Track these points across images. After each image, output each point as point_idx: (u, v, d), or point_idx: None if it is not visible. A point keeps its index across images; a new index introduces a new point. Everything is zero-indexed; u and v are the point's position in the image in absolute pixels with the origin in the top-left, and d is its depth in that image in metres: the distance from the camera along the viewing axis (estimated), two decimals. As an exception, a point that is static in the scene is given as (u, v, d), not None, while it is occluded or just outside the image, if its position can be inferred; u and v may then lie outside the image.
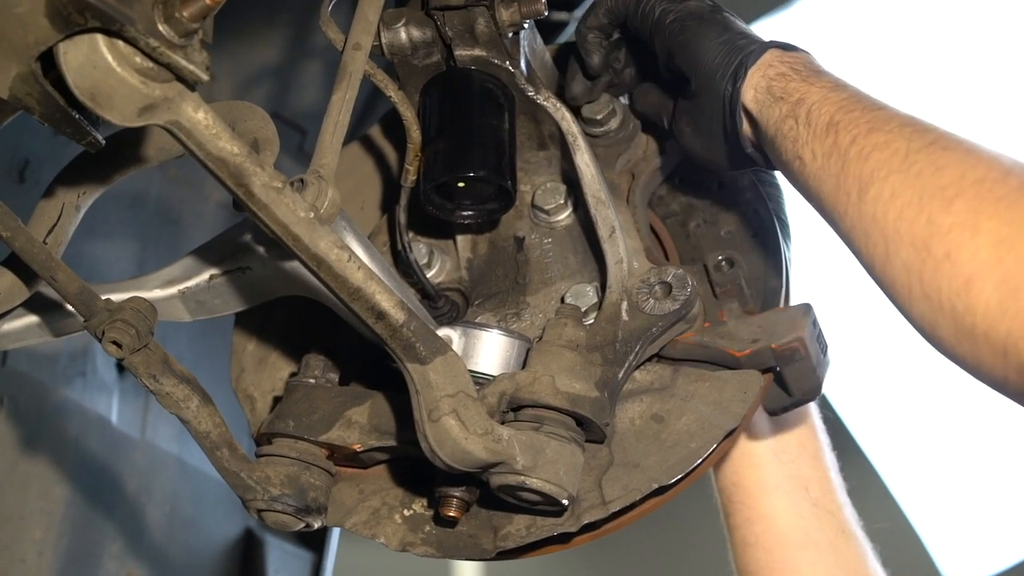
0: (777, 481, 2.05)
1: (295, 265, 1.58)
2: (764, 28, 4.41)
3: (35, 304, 1.80)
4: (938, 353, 1.37)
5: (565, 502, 1.63)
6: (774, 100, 1.62)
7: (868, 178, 1.42)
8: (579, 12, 3.33)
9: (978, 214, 1.28)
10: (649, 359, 1.80)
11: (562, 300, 1.86)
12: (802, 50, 1.69)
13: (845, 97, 1.55)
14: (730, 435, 1.75)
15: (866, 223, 1.41)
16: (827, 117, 1.53)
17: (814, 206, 1.56)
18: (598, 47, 1.89)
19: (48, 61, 1.26)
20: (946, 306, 1.27)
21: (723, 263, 1.84)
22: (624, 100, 2.02)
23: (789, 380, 1.77)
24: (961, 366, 1.33)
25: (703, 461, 1.72)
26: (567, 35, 3.23)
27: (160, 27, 1.26)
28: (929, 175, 1.35)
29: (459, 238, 1.98)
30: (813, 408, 2.12)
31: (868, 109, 1.50)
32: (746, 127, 1.70)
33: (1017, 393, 1.28)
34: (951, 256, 1.28)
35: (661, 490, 1.71)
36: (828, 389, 1.91)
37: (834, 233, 1.52)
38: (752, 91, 1.66)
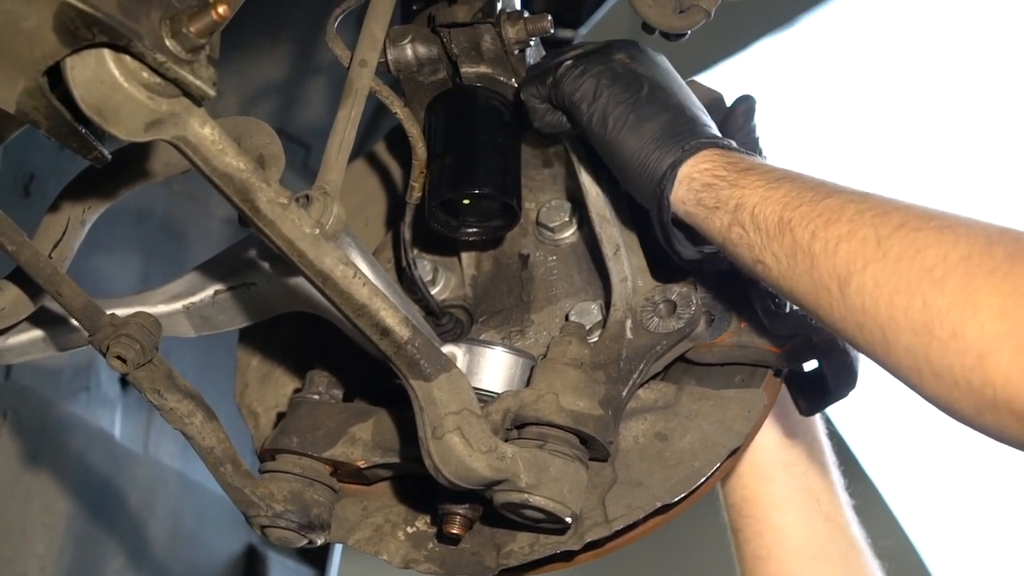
0: (788, 494, 2.04)
1: (300, 281, 1.58)
2: (767, 48, 4.42)
3: (40, 318, 1.80)
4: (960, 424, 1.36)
5: (568, 520, 1.62)
6: (709, 211, 1.58)
7: (845, 271, 1.39)
8: (584, 29, 3.35)
9: (974, 291, 1.26)
10: (653, 377, 1.80)
11: (566, 318, 1.86)
12: (712, 143, 1.64)
13: (784, 192, 1.50)
14: (734, 453, 1.75)
15: (856, 315, 1.38)
16: (775, 217, 1.49)
17: (793, 302, 1.52)
18: (541, 113, 1.84)
19: (55, 75, 1.26)
20: (961, 383, 1.26)
21: None
22: None
23: (828, 373, 1.77)
24: (985, 434, 1.31)
25: (707, 480, 1.72)
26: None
27: (167, 42, 1.26)
28: (910, 259, 1.32)
29: (464, 255, 1.98)
30: (820, 424, 2.12)
31: (814, 200, 1.46)
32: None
33: None
34: (958, 334, 1.26)
35: (664, 508, 1.71)
36: (829, 408, 1.91)
37: (822, 322, 1.49)
38: (682, 205, 1.62)
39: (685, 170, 1.62)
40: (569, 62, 1.75)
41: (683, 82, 1.80)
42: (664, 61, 1.83)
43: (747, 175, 1.56)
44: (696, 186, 1.60)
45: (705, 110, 1.76)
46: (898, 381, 1.38)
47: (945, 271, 1.28)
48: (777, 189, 1.51)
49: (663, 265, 1.79)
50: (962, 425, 1.34)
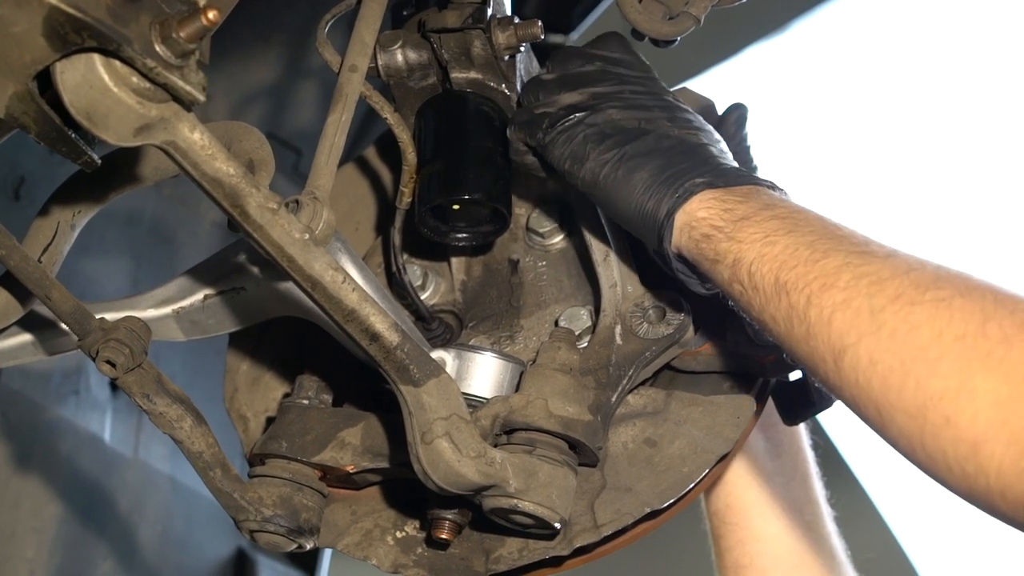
0: (771, 503, 2.05)
1: (289, 286, 1.59)
2: (758, 53, 4.42)
3: (29, 322, 1.80)
4: None
5: (557, 525, 1.63)
6: (711, 263, 1.55)
7: (839, 344, 1.35)
8: (575, 35, 3.35)
9: (969, 375, 1.23)
10: (643, 383, 1.80)
11: (556, 323, 1.86)
12: (705, 184, 1.60)
13: (780, 251, 1.46)
14: (722, 460, 1.75)
15: (851, 390, 1.35)
16: (771, 277, 1.45)
17: (796, 363, 1.50)
18: (521, 153, 1.81)
19: (45, 80, 1.26)
20: (955, 469, 1.23)
21: None
22: None
23: (812, 385, 1.78)
24: (981, 511, 1.30)
25: (695, 485, 1.72)
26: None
27: (157, 47, 1.26)
28: (904, 336, 1.29)
29: (454, 260, 1.98)
30: (804, 435, 2.12)
31: (810, 261, 1.42)
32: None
33: None
34: (951, 421, 1.23)
35: (653, 514, 1.71)
36: (821, 415, 1.92)
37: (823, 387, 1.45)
38: (688, 253, 1.59)
39: (683, 218, 1.59)
40: (559, 126, 1.73)
41: (685, 112, 1.76)
42: (656, 87, 1.80)
43: (744, 227, 1.52)
44: (696, 235, 1.57)
45: (710, 129, 1.74)
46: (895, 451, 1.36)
47: (940, 352, 1.25)
48: (774, 245, 1.47)
49: (652, 271, 1.78)
50: None
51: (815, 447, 2.13)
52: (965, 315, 1.26)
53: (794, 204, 1.54)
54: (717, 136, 1.73)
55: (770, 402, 1.88)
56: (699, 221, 1.57)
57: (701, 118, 1.75)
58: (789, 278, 1.42)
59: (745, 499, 2.05)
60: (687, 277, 1.64)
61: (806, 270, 1.41)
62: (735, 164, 1.67)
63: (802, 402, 1.86)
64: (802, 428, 2.11)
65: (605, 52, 1.83)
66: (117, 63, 1.25)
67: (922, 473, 1.31)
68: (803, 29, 4.48)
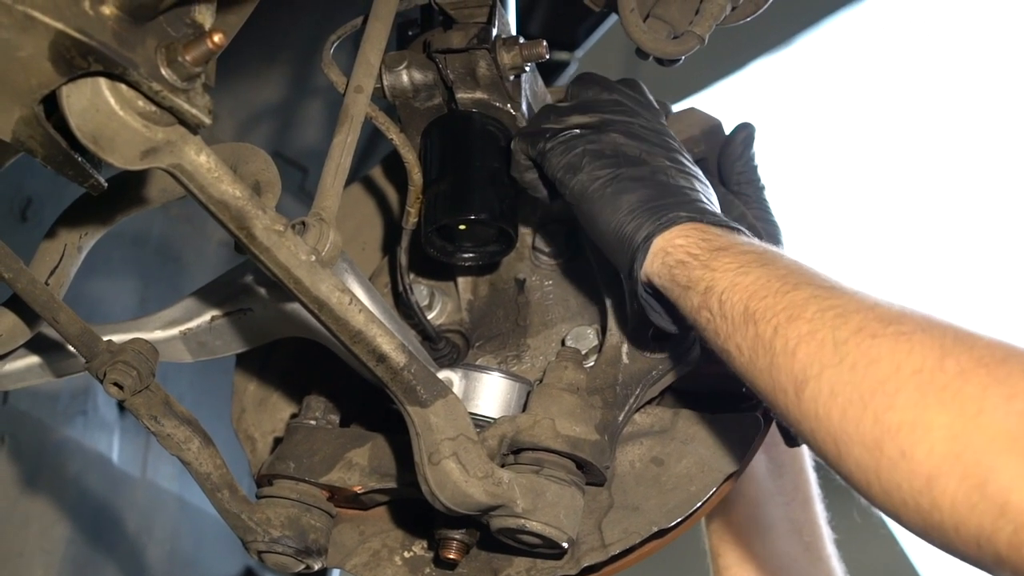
0: (771, 522, 2.05)
1: (296, 307, 1.59)
2: (764, 67, 4.42)
3: (37, 345, 1.80)
4: None
5: (565, 545, 1.63)
6: (682, 290, 1.56)
7: (801, 375, 1.35)
8: (580, 52, 3.36)
9: (925, 409, 1.23)
10: (649, 402, 1.80)
11: (563, 343, 1.86)
12: (691, 217, 1.61)
13: (752, 281, 1.47)
14: (730, 478, 1.75)
15: (811, 422, 1.34)
16: (741, 306, 1.45)
17: (754, 393, 1.48)
18: (523, 168, 1.82)
19: (51, 104, 1.27)
20: (909, 503, 1.23)
21: None
22: None
23: None
24: (935, 547, 1.30)
25: (703, 504, 1.72)
26: (568, 76, 3.24)
27: (163, 71, 1.26)
28: (864, 368, 1.29)
29: (460, 280, 1.98)
30: (806, 456, 2.12)
31: (780, 292, 1.42)
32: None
33: (995, 575, 1.25)
34: (907, 455, 1.23)
35: (661, 533, 1.71)
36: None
37: (780, 419, 1.47)
38: (658, 279, 1.60)
39: (660, 243, 1.59)
40: (562, 136, 1.74)
41: (685, 158, 1.76)
42: (665, 130, 1.80)
43: (720, 256, 1.53)
44: (670, 261, 1.57)
45: (706, 182, 1.74)
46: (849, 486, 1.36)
47: (897, 385, 1.26)
48: (747, 275, 1.48)
49: None
50: None
51: (818, 467, 2.13)
52: (924, 349, 1.26)
53: (772, 247, 1.55)
54: (708, 185, 1.75)
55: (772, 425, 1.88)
56: (676, 248, 1.58)
57: (697, 168, 1.76)
58: (758, 308, 1.43)
59: (745, 518, 2.05)
60: (649, 305, 1.65)
61: (775, 301, 1.42)
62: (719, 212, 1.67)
63: None
64: (805, 449, 2.10)
65: (625, 89, 1.83)
66: (123, 87, 1.25)
67: (878, 509, 1.32)
68: (807, 44, 4.48)
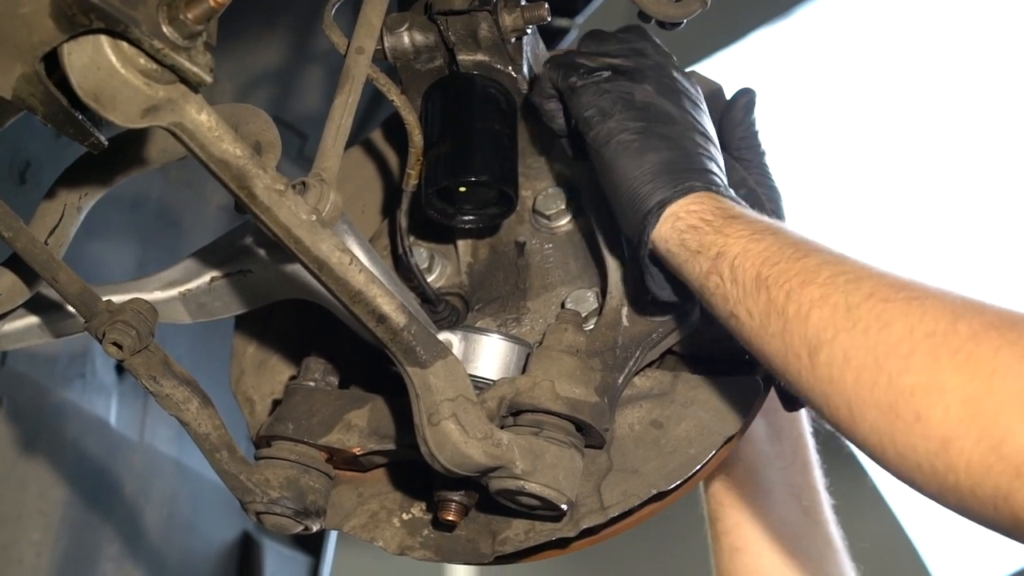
0: (770, 487, 2.05)
1: (296, 268, 1.58)
2: (764, 37, 4.42)
3: (36, 305, 1.80)
4: None
5: (564, 507, 1.63)
6: (691, 254, 1.56)
7: (815, 340, 1.36)
8: (581, 19, 3.35)
9: (939, 371, 1.24)
10: (649, 365, 1.80)
11: (562, 305, 1.86)
12: (707, 187, 1.62)
13: (766, 247, 1.48)
14: (729, 441, 1.75)
15: (824, 386, 1.35)
16: (753, 272, 1.46)
17: (761, 360, 1.49)
18: (557, 114, 1.82)
19: (52, 62, 1.26)
20: (925, 466, 1.24)
21: None
22: None
23: None
24: (950, 510, 1.31)
25: (702, 467, 1.72)
26: (569, 41, 3.23)
27: (164, 29, 1.25)
28: (877, 332, 1.30)
29: (460, 243, 1.98)
30: (805, 421, 2.12)
31: (793, 259, 1.43)
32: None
33: (1012, 536, 1.26)
34: (922, 418, 1.24)
35: (660, 496, 1.71)
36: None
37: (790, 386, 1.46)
38: (664, 243, 1.60)
39: (673, 208, 1.60)
40: (596, 76, 1.73)
41: (707, 122, 1.77)
42: (695, 94, 1.80)
43: (733, 223, 1.54)
44: (681, 226, 1.58)
45: (719, 147, 1.75)
46: (862, 453, 1.37)
47: (911, 348, 1.26)
48: (760, 242, 1.49)
49: None
50: None
51: (816, 434, 2.13)
52: (936, 313, 1.27)
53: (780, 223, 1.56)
54: (720, 150, 1.75)
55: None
56: (689, 213, 1.58)
57: (714, 132, 1.77)
58: (771, 273, 1.44)
59: (743, 482, 2.05)
60: (648, 272, 1.65)
61: (788, 266, 1.43)
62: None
63: None
64: (803, 414, 2.10)
65: (650, 38, 1.83)
66: (124, 44, 1.25)
67: (892, 475, 1.32)
68: (808, 13, 4.48)
